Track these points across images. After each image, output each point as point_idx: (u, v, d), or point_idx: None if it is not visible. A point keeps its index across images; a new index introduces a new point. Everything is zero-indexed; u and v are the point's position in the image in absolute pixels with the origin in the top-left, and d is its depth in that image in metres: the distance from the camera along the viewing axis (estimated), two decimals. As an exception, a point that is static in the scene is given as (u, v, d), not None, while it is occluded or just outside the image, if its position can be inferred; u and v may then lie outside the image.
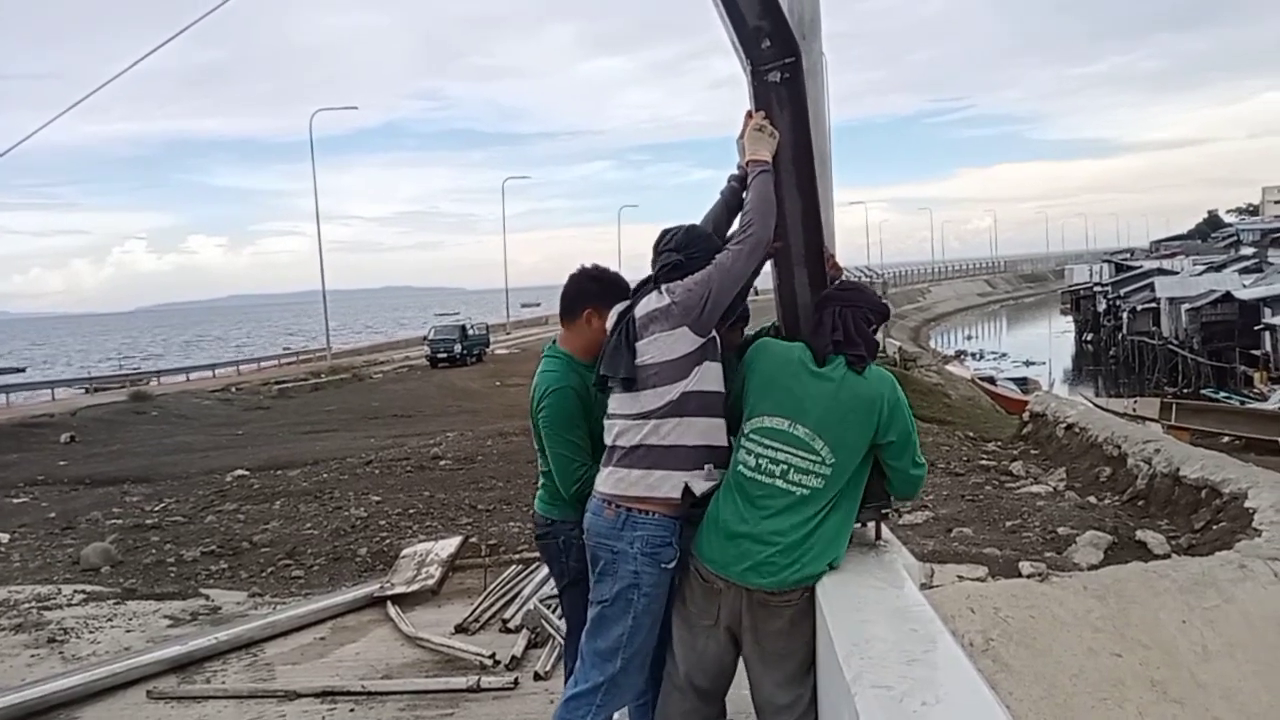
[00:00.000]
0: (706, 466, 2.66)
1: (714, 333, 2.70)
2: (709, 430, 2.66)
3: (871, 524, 2.75)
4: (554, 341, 3.18)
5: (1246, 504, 5.96)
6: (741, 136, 2.78)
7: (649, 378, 2.66)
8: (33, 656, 5.57)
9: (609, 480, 2.73)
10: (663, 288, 2.70)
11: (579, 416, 2.98)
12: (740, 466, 2.59)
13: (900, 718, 1.54)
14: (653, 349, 2.66)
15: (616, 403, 2.76)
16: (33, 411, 24.25)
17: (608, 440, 2.78)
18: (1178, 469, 7.21)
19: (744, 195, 2.78)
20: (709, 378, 2.66)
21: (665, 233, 2.83)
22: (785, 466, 2.52)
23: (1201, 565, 5.03)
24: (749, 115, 2.75)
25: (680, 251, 2.73)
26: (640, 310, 2.72)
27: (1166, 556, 5.72)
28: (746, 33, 2.64)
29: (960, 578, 5.22)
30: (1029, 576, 5.10)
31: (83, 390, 32.02)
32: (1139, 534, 6.34)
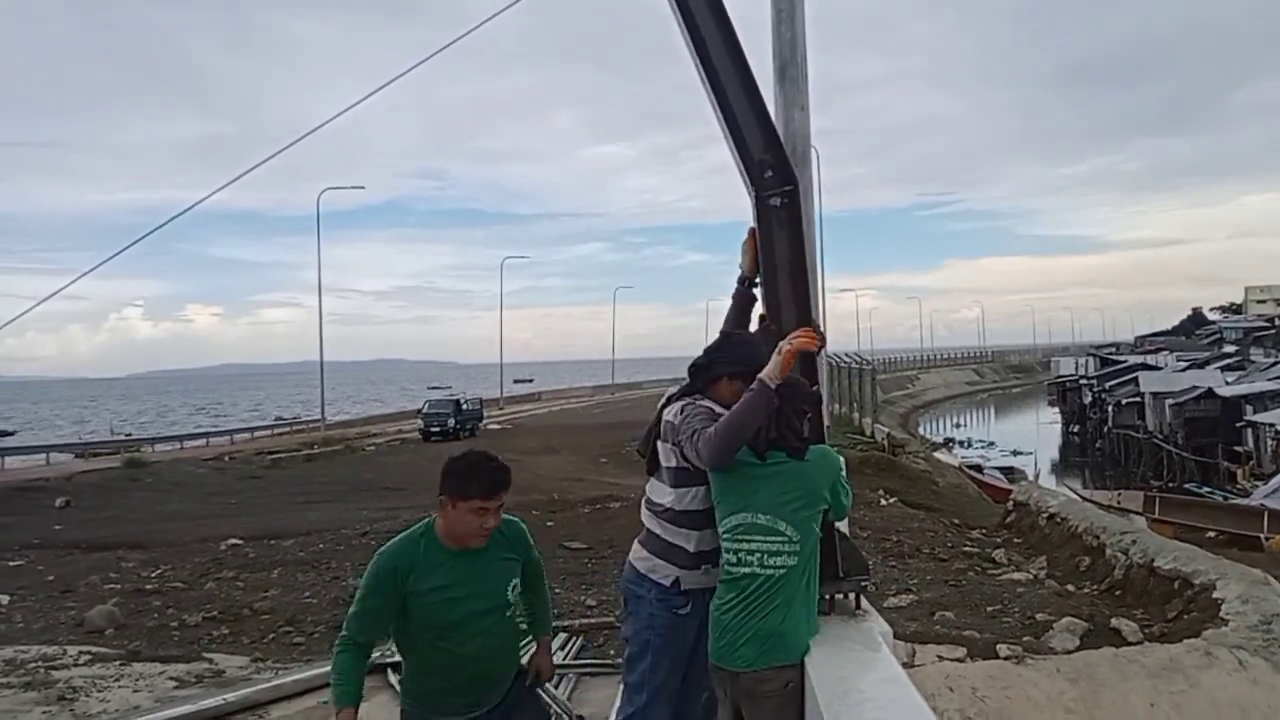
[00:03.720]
0: (704, 567, 3.07)
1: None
2: (704, 539, 3.07)
3: (853, 595, 3.09)
4: None
5: (1215, 594, 6.25)
6: (744, 250, 3.24)
7: (660, 474, 3.14)
8: (44, 713, 5.72)
9: (636, 548, 3.21)
10: (681, 404, 3.09)
11: None
12: (726, 565, 2.91)
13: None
14: (662, 453, 3.14)
15: (649, 483, 3.23)
16: (26, 475, 24.25)
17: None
18: (1153, 560, 7.50)
19: (753, 295, 3.28)
20: (697, 499, 3.06)
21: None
22: (760, 554, 2.83)
23: (1170, 652, 5.31)
24: (752, 232, 3.21)
25: (708, 355, 3.13)
26: (666, 414, 3.15)
27: (1139, 644, 5.97)
28: (753, 164, 3.11)
29: (940, 658, 5.47)
30: (1006, 658, 5.35)
31: (74, 455, 32.02)
32: (1114, 621, 6.59)
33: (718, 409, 3.00)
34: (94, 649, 7.27)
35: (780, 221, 3.15)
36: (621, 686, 3.24)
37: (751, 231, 3.22)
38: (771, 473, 2.88)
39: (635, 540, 3.24)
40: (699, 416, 2.98)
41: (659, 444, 3.14)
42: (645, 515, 3.19)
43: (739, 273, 3.34)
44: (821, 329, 3.27)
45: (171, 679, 6.43)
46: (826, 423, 3.37)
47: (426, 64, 5.06)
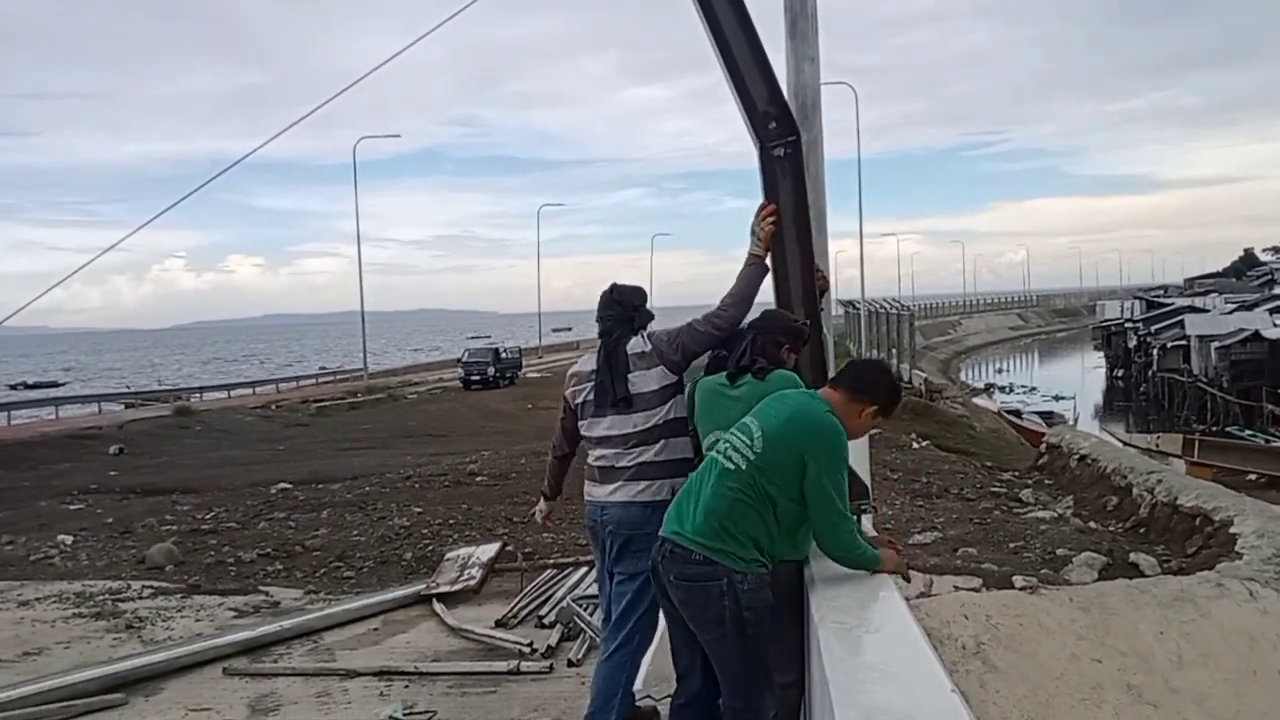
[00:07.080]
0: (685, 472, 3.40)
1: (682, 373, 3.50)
2: (685, 446, 3.49)
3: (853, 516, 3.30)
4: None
5: (1232, 530, 6.37)
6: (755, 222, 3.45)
7: (639, 402, 3.49)
8: (115, 639, 6.18)
9: (629, 490, 3.53)
10: (643, 334, 3.54)
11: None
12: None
13: (844, 639, 2.14)
14: (639, 381, 3.48)
15: (607, 426, 3.57)
16: (81, 424, 25.09)
17: (602, 461, 3.63)
18: (1175, 498, 7.61)
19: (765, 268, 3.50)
20: (679, 407, 3.50)
21: (613, 288, 3.62)
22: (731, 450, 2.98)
23: (1181, 583, 5.45)
24: (763, 206, 3.36)
25: (626, 314, 3.57)
26: (630, 349, 3.53)
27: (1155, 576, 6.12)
28: (756, 116, 3.25)
29: (956, 588, 5.67)
30: (1021, 589, 5.54)
31: (123, 405, 32.94)
32: (1133, 557, 6.74)
33: None
34: (156, 584, 7.73)
35: (784, 171, 3.30)
36: (616, 613, 3.56)
37: (762, 206, 3.36)
38: (740, 395, 3.19)
39: (618, 485, 3.53)
40: (670, 331, 3.50)
41: (633, 376, 3.49)
42: (626, 457, 3.51)
43: (750, 249, 3.47)
44: (825, 274, 3.44)
45: (230, 609, 6.87)
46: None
47: (456, 7, 5.16)
